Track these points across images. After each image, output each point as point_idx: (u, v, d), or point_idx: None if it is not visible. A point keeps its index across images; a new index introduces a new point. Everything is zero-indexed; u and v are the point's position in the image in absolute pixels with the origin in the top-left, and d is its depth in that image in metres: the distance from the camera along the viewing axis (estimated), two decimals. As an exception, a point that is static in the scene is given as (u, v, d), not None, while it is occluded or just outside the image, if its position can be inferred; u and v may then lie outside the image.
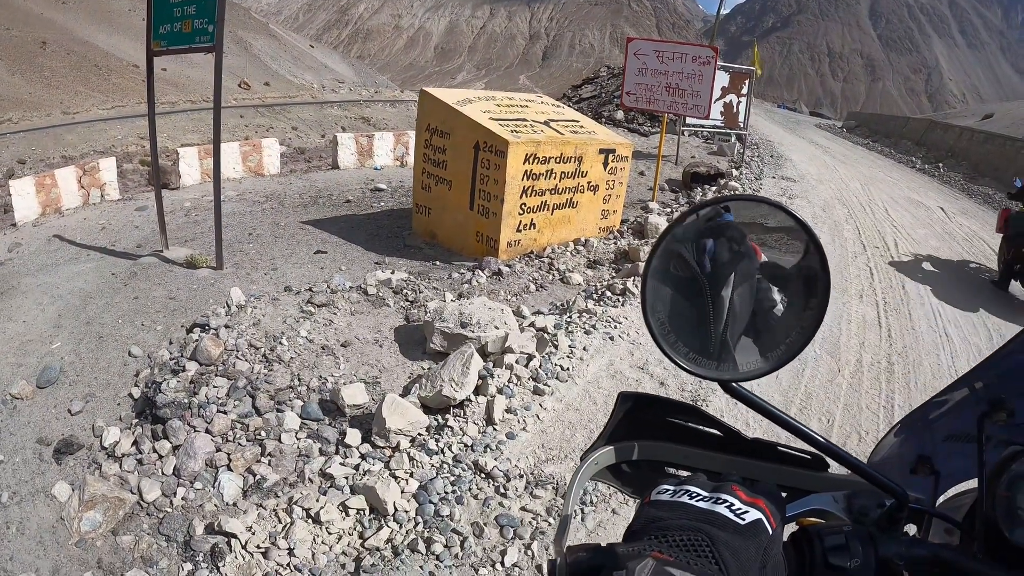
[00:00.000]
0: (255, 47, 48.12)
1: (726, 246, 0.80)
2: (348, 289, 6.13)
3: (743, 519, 0.61)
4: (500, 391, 4.61)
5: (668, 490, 0.67)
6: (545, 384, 4.81)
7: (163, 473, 4.15)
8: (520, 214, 7.28)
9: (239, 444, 4.31)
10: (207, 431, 4.38)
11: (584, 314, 6.08)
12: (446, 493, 3.87)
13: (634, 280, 6.70)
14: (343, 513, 3.75)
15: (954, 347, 6.36)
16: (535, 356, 5.04)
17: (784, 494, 0.92)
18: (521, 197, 7.18)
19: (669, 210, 10.03)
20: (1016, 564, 0.81)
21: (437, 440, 4.23)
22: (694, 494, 0.65)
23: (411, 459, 4.08)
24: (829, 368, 5.96)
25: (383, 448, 4.14)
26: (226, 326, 5.39)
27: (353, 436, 4.23)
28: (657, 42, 10.84)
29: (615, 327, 5.87)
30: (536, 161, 7.14)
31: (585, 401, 4.78)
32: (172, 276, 6.78)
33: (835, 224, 11.32)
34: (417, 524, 3.69)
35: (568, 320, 5.93)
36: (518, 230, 7.35)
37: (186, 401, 4.62)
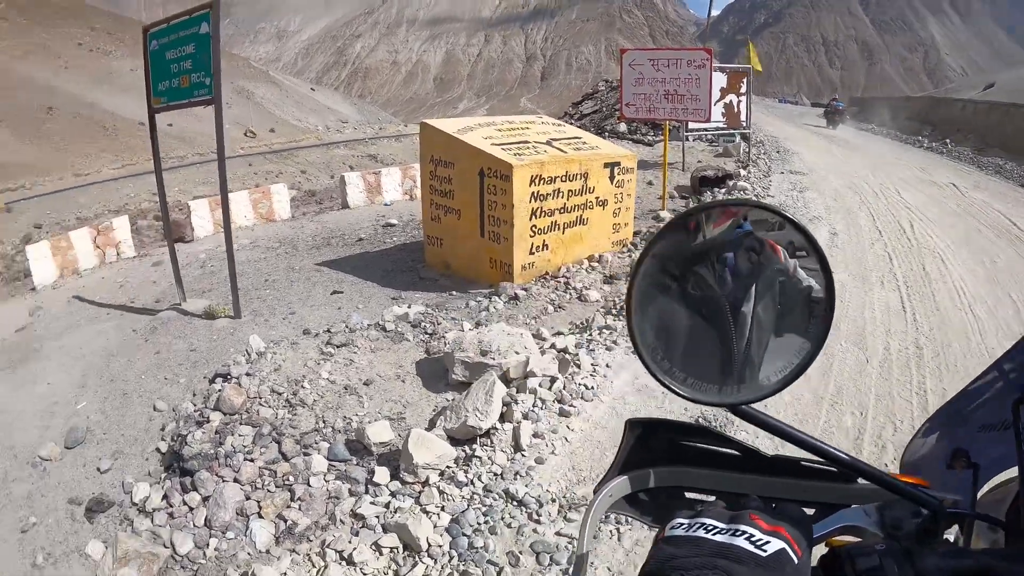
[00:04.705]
0: (257, 95, 48.92)
1: (746, 258, 0.76)
2: (366, 327, 6.13)
3: (765, 550, 0.57)
4: (525, 416, 4.56)
5: (683, 524, 0.62)
6: (570, 405, 4.75)
7: (195, 525, 4.13)
8: (531, 236, 7.25)
9: (268, 491, 4.29)
10: (235, 480, 4.35)
11: (604, 330, 6.02)
12: (479, 524, 3.80)
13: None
14: (376, 553, 3.69)
15: (982, 325, 6.23)
16: (558, 378, 4.98)
17: (812, 511, 0.88)
18: (530, 219, 7.16)
19: (680, 217, 10.00)
20: None
21: (466, 471, 4.18)
22: (710, 527, 0.60)
23: (441, 493, 4.03)
24: (856, 359, 5.85)
25: (412, 484, 4.10)
26: (247, 374, 5.39)
27: (381, 474, 4.19)
28: (651, 50, 10.86)
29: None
30: (542, 182, 7.13)
31: (612, 419, 4.71)
32: (192, 328, 6.82)
33: (848, 212, 11.22)
34: (452, 558, 3.62)
35: (589, 338, 5.86)
36: (531, 252, 7.32)
37: (212, 452, 4.61)
